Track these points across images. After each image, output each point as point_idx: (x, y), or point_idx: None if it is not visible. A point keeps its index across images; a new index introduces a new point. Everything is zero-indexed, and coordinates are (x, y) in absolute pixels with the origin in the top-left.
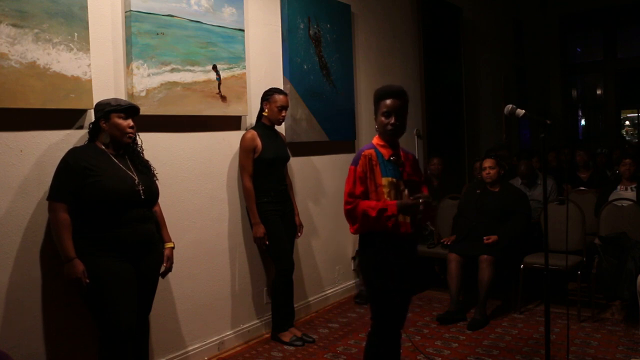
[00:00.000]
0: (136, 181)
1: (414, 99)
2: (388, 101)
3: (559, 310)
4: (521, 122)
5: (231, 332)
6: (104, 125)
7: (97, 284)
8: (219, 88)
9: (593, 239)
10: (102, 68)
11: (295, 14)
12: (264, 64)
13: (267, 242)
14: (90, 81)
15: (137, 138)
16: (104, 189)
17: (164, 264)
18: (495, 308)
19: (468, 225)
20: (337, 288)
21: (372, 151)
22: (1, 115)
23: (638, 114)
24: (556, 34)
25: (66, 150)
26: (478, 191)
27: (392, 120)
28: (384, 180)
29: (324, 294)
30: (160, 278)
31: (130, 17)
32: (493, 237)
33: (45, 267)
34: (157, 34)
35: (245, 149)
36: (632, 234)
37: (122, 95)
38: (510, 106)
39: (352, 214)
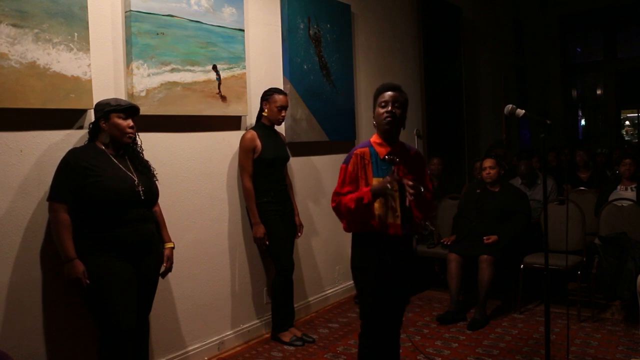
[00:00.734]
0: (136, 181)
1: (414, 99)
2: (386, 93)
3: (559, 310)
4: (521, 122)
5: (231, 332)
6: (103, 125)
7: (97, 284)
8: (219, 88)
9: (593, 239)
10: (102, 68)
11: (295, 14)
12: (264, 64)
13: (267, 242)
14: (90, 81)
15: (137, 138)
16: (104, 189)
17: (164, 264)
18: (495, 308)
19: (468, 225)
20: (337, 288)
21: (365, 149)
22: (1, 115)
23: (638, 114)
24: (556, 34)
25: (66, 150)
26: (478, 191)
27: (389, 108)
28: (375, 181)
29: (324, 294)
30: (160, 278)
31: (130, 17)
32: (493, 237)
33: (45, 267)
34: (157, 34)
35: (245, 149)
36: (632, 234)
37: (122, 95)
38: (510, 106)
39: (337, 211)
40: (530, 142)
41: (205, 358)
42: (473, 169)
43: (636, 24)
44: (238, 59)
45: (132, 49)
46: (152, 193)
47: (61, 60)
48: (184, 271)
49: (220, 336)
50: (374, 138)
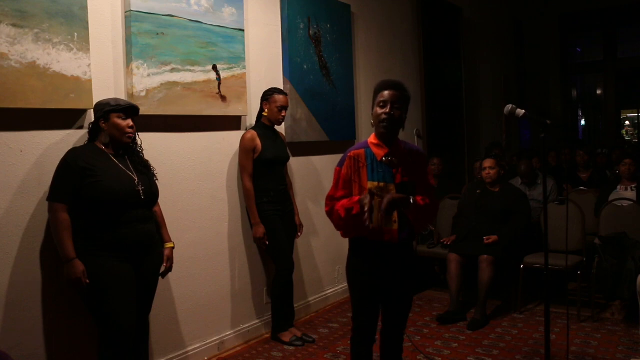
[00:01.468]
0: (136, 181)
1: (414, 99)
2: (385, 92)
3: (559, 310)
4: (521, 122)
5: (231, 332)
6: (103, 125)
7: (97, 284)
8: (219, 88)
9: (593, 239)
10: (102, 68)
11: (295, 14)
12: (264, 64)
13: (267, 242)
14: (90, 81)
15: (137, 138)
16: (104, 190)
17: (164, 264)
18: (495, 308)
19: (468, 225)
20: (337, 288)
21: (361, 151)
22: (1, 115)
23: (638, 114)
24: (556, 34)
25: (66, 150)
26: (478, 191)
27: (387, 109)
28: (370, 184)
29: (324, 294)
30: (160, 278)
31: (130, 17)
32: (493, 237)
33: (45, 267)
34: (157, 34)
35: (245, 149)
36: (632, 234)
37: (122, 95)
38: (510, 106)
39: (330, 216)
40: (530, 142)
41: (205, 358)
42: (473, 169)
43: (636, 24)
44: (238, 59)
45: (132, 49)
46: (152, 193)
47: (61, 60)
48: (184, 271)
49: (220, 336)
50: (372, 138)
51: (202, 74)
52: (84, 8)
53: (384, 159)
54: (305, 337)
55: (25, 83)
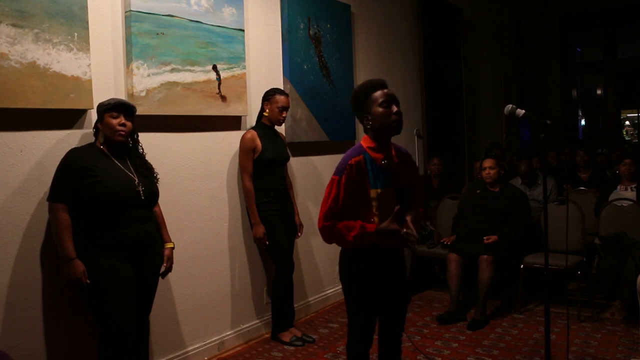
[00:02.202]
0: (136, 182)
1: (414, 99)
2: (384, 92)
3: (559, 310)
4: (521, 122)
5: (231, 332)
6: (99, 126)
7: (97, 284)
8: (219, 88)
9: (593, 239)
10: (102, 68)
11: (295, 14)
12: (264, 64)
13: (267, 242)
14: (90, 81)
15: (137, 138)
16: (104, 190)
17: (164, 264)
18: (495, 308)
19: (468, 225)
20: (337, 288)
21: (360, 157)
22: (1, 115)
23: (638, 114)
24: (556, 34)
25: (66, 150)
26: (478, 191)
27: (396, 109)
28: (373, 193)
29: (324, 294)
30: (160, 278)
31: (130, 17)
32: (493, 237)
33: (45, 267)
34: (157, 34)
35: (245, 149)
36: (632, 234)
37: (122, 95)
38: (510, 106)
39: (329, 232)
40: (530, 142)
41: (205, 358)
42: (473, 169)
43: (636, 24)
44: (238, 59)
45: (132, 49)
46: (152, 193)
47: (61, 60)
48: (184, 271)
49: (220, 336)
50: (367, 142)
51: (202, 74)
52: (84, 8)
53: (383, 162)
54: (305, 337)
55: (25, 83)
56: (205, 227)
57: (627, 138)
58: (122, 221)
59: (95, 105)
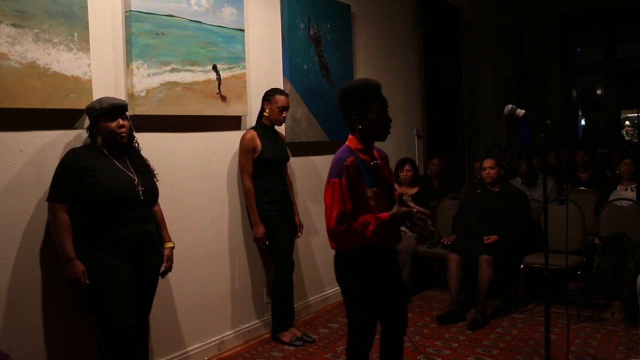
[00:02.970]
0: (135, 182)
1: (414, 99)
2: (381, 98)
3: (559, 310)
4: (521, 122)
5: (231, 332)
6: (95, 130)
7: (97, 284)
8: (219, 88)
9: (593, 239)
10: (102, 68)
11: (295, 14)
12: (264, 64)
13: (267, 242)
14: (90, 81)
15: (134, 137)
16: (104, 190)
17: (164, 264)
18: (495, 308)
19: (468, 225)
20: (337, 288)
21: (353, 158)
22: (1, 115)
23: (638, 114)
24: (556, 34)
25: (66, 150)
26: (478, 191)
27: (389, 117)
28: (370, 192)
29: (324, 294)
30: (160, 278)
31: (130, 17)
32: (493, 237)
33: (45, 267)
34: (157, 34)
35: (245, 149)
36: (632, 234)
37: (122, 95)
38: (510, 106)
39: (343, 238)
40: (530, 142)
41: (205, 358)
42: (473, 169)
43: (636, 24)
44: (238, 59)
45: (132, 49)
46: (152, 193)
47: (61, 60)
48: (184, 271)
49: (220, 336)
50: (354, 144)
51: (202, 74)
52: (84, 8)
53: (372, 163)
54: (305, 337)
55: (25, 83)
56: (205, 227)
57: (627, 138)
58: (121, 221)
59: None
